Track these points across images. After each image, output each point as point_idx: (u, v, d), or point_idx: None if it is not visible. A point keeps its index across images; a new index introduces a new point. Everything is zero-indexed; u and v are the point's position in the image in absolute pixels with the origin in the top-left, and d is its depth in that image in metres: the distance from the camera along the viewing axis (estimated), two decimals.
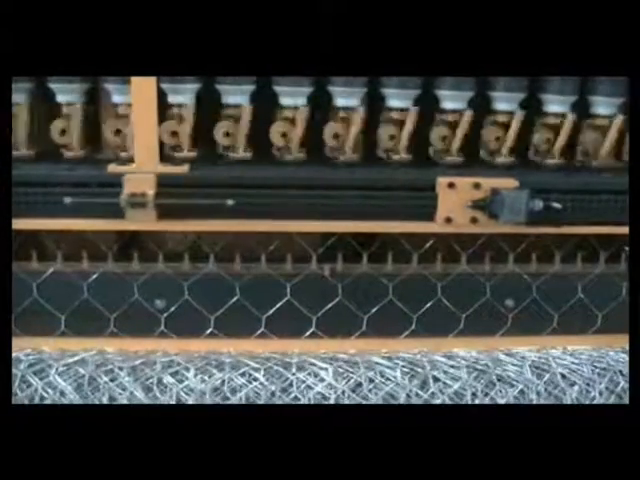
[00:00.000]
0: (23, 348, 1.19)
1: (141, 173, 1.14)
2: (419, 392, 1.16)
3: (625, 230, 1.23)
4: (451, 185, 1.18)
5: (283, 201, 1.17)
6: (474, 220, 1.19)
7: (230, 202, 1.14)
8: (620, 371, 1.22)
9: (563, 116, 1.24)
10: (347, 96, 1.20)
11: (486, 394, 1.17)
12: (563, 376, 1.21)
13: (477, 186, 1.18)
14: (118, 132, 1.20)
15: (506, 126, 1.24)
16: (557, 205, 1.19)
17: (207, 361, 1.18)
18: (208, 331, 1.23)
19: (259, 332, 1.23)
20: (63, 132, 1.21)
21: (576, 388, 1.20)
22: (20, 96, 1.18)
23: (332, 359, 1.20)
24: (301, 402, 1.13)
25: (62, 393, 1.12)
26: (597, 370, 1.23)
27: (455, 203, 1.19)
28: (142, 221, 1.14)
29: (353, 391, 1.15)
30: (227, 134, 1.21)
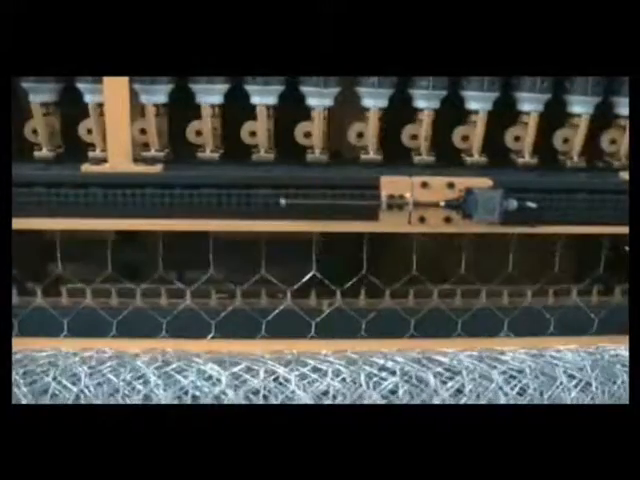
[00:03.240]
0: None
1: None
2: None
3: (600, 229, 1.23)
4: (425, 185, 1.18)
5: (252, 200, 1.17)
6: (448, 220, 1.19)
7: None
8: None
9: (536, 115, 1.23)
10: (318, 96, 1.20)
11: None
12: None
13: (451, 185, 1.18)
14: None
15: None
16: (532, 204, 1.18)
17: None
18: None
19: None
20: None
21: None
22: None
23: None
24: None
25: None
26: None
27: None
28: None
29: None
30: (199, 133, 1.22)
